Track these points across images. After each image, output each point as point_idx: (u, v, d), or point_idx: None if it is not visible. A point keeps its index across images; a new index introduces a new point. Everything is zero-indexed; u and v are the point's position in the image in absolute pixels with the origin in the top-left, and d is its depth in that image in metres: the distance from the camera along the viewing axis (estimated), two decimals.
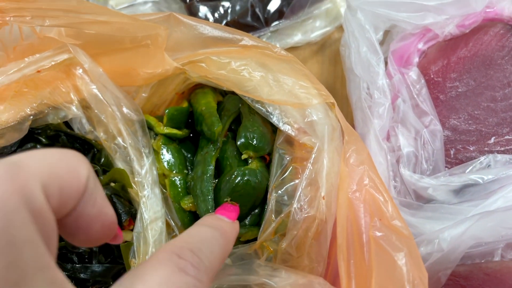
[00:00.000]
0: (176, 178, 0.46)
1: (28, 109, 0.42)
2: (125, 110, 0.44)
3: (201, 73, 0.42)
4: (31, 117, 0.42)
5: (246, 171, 0.41)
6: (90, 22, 0.40)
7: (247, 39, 0.44)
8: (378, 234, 0.34)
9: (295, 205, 0.39)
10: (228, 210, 0.29)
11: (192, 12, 0.56)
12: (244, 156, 0.43)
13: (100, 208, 0.23)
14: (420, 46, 0.51)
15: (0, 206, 0.17)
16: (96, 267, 0.40)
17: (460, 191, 0.43)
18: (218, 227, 0.25)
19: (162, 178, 0.47)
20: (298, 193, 0.39)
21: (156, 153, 0.47)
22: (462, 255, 0.37)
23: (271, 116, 0.42)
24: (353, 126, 0.46)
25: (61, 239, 0.41)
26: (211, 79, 0.42)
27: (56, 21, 0.38)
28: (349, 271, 0.32)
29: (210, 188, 0.43)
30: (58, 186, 0.20)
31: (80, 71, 0.45)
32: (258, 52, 0.43)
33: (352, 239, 0.34)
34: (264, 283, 0.33)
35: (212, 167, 0.44)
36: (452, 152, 0.47)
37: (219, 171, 0.45)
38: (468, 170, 0.44)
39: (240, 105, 0.46)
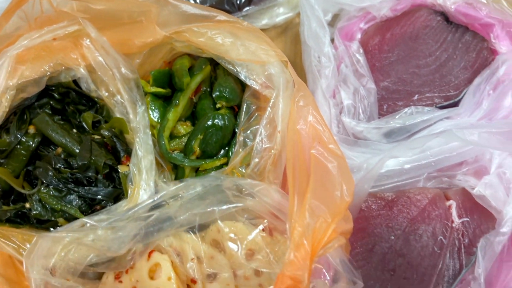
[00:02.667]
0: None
1: (46, 67, 0.52)
2: (123, 70, 0.55)
3: (185, 39, 0.53)
4: (48, 73, 0.53)
5: (216, 115, 0.52)
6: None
7: (221, 16, 0.55)
8: (317, 152, 0.45)
9: (257, 139, 0.50)
10: None
11: None
12: (218, 105, 0.54)
13: None
14: (362, 25, 0.63)
15: None
16: (102, 190, 0.50)
17: (388, 133, 0.55)
18: None
19: (151, 129, 0.57)
20: (260, 130, 0.50)
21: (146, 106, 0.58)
22: (382, 168, 0.49)
23: (240, 74, 0.54)
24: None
25: (75, 167, 0.51)
26: (192, 43, 0.53)
27: None
28: (294, 175, 0.43)
29: (162, 133, 0.54)
30: None
31: (88, 41, 0.56)
32: (230, 25, 0.54)
33: (297, 155, 0.45)
34: (233, 183, 0.44)
35: (167, 120, 0.55)
36: (384, 107, 0.59)
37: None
38: (396, 118, 0.56)
39: (212, 70, 0.58)
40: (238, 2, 0.66)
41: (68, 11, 0.53)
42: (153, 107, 0.57)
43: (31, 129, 0.52)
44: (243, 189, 0.45)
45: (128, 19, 0.55)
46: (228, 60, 0.54)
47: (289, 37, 0.69)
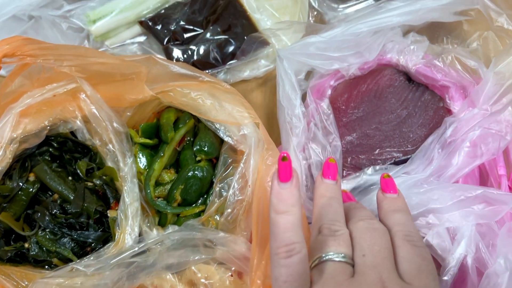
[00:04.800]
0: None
1: (46, 122, 0.59)
2: (115, 124, 0.61)
3: (170, 99, 0.60)
4: (48, 127, 0.59)
5: (196, 167, 0.59)
6: (93, 63, 0.58)
7: (203, 76, 0.62)
8: None
9: (230, 192, 0.57)
10: None
11: (168, 52, 0.74)
12: (198, 158, 0.61)
13: None
14: (332, 82, 0.69)
15: None
16: (92, 234, 0.57)
17: (352, 190, 0.62)
18: None
19: (139, 175, 0.64)
20: (233, 183, 0.57)
21: (134, 157, 0.65)
22: None
23: (218, 131, 0.60)
24: (280, 141, 0.64)
25: (69, 213, 0.57)
26: (176, 105, 0.60)
27: (70, 62, 0.56)
28: (257, 229, 0.50)
29: (148, 182, 0.60)
30: None
31: (83, 95, 0.62)
32: (210, 86, 0.61)
33: (262, 211, 0.52)
34: (207, 238, 0.50)
35: (153, 170, 0.61)
36: (349, 159, 0.65)
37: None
38: (357, 177, 0.62)
39: (196, 122, 0.65)
40: (222, 56, 0.73)
41: (67, 71, 0.60)
42: (141, 156, 0.64)
43: (31, 177, 0.59)
44: (214, 241, 0.52)
45: (120, 77, 0.62)
46: (207, 119, 0.60)
47: (269, 87, 0.76)
